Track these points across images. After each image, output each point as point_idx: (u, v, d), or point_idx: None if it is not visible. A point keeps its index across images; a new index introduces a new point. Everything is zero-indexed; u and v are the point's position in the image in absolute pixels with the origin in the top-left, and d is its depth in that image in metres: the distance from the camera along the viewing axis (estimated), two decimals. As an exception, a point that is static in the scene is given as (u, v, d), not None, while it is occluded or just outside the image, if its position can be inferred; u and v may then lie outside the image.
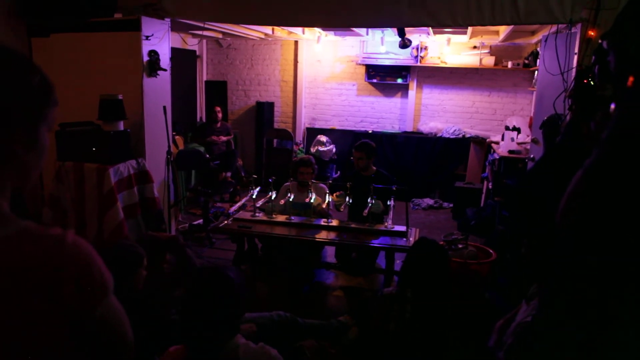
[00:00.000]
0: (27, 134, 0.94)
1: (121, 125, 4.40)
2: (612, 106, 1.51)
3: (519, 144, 6.35)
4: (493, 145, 6.89)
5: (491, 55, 7.47)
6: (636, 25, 1.23)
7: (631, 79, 1.19)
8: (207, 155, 6.76)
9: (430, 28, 6.25)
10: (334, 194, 4.56)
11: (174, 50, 5.28)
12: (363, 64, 8.08)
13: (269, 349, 2.01)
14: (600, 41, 1.63)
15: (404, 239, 4.17)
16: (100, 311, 1.00)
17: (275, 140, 8.25)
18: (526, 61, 7.21)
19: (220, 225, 4.52)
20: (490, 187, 6.52)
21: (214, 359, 1.90)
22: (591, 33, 3.90)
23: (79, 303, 0.95)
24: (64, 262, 0.93)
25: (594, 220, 1.21)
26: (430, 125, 7.99)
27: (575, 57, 4.04)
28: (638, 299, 1.19)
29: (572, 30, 4.09)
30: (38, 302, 0.90)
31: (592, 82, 2.87)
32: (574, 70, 3.99)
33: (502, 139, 6.57)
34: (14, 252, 0.89)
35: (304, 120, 8.67)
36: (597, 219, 1.20)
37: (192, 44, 7.95)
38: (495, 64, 7.44)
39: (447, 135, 7.78)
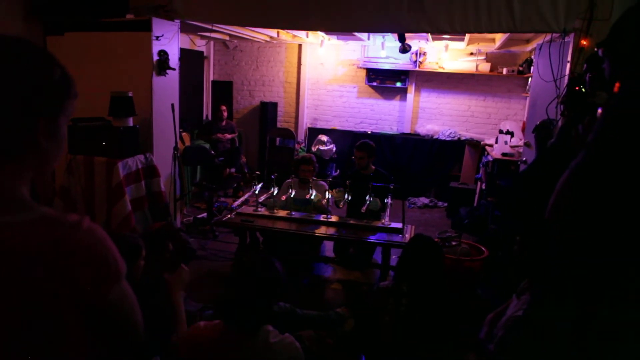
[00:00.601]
0: (49, 124, 0.95)
1: (131, 122, 4.41)
2: (599, 110, 1.53)
3: (512, 147, 6.36)
4: (487, 147, 6.90)
5: (487, 61, 7.47)
6: (633, 34, 1.24)
7: (617, 84, 1.21)
8: (212, 152, 6.76)
9: (429, 34, 6.25)
10: (334, 190, 4.57)
11: (182, 51, 5.29)
12: (364, 68, 8.08)
13: (294, 339, 2.05)
14: (595, 49, 1.64)
15: (400, 235, 4.18)
16: (113, 295, 1.00)
17: (278, 139, 8.26)
18: (520, 68, 7.22)
19: (224, 219, 4.52)
20: (483, 187, 6.53)
21: (248, 340, 1.94)
22: (584, 42, 3.91)
23: (92, 286, 0.96)
24: (79, 246, 0.93)
25: (579, 218, 1.22)
26: (427, 127, 7.99)
27: (568, 65, 4.05)
28: (623, 297, 1.21)
29: (565, 40, 4.10)
30: (54, 284, 0.91)
31: (583, 90, 2.88)
32: (566, 77, 4.00)
33: (496, 142, 6.58)
34: (34, 235, 0.90)
35: (306, 120, 8.67)
36: (583, 216, 1.22)
37: (200, 45, 7.96)
38: (491, 70, 7.44)
39: (443, 138, 7.78)
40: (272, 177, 4.54)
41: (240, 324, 1.96)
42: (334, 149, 7.96)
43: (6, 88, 0.89)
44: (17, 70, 0.90)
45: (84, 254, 0.94)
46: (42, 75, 0.94)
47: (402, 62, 7.75)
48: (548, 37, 4.33)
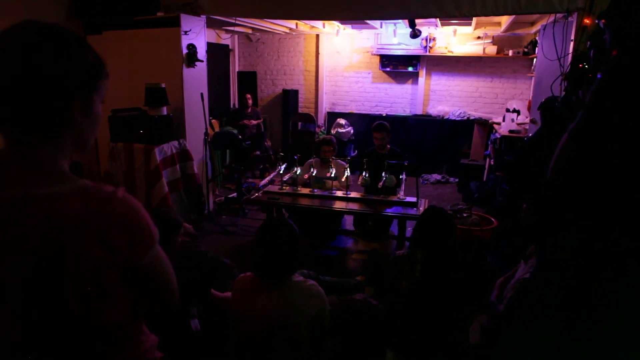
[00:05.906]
0: (84, 103, 0.96)
1: (164, 110, 4.44)
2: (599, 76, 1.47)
3: (518, 124, 6.23)
4: (495, 126, 6.78)
5: (493, 44, 7.29)
6: (631, 4, 1.19)
7: (614, 52, 1.17)
8: (240, 137, 6.77)
9: (438, 19, 6.12)
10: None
11: (209, 45, 5.28)
12: (377, 54, 7.96)
13: (317, 286, 2.14)
14: (597, 21, 1.59)
15: (415, 208, 4.15)
16: (147, 260, 1.02)
17: (299, 124, 8.24)
18: (526, 49, 7.03)
19: (252, 197, 4.54)
20: (492, 163, 6.43)
21: (277, 287, 2.06)
22: (586, 21, 3.77)
23: (128, 251, 0.97)
24: (115, 213, 0.95)
25: (579, 176, 1.19)
26: (438, 108, 7.88)
27: (572, 43, 3.92)
28: (620, 259, 1.17)
29: (569, 20, 3.96)
30: (94, 247, 0.92)
31: (586, 66, 2.79)
32: (570, 56, 3.87)
33: (503, 120, 6.45)
34: (74, 204, 0.91)
35: (325, 105, 8.62)
36: (582, 175, 1.18)
37: (225, 38, 7.94)
38: (497, 53, 7.27)
39: (453, 118, 7.66)
40: (295, 157, 4.53)
41: (269, 279, 2.07)
42: (352, 131, 7.91)
43: (45, 70, 0.90)
44: (55, 54, 0.91)
45: (119, 221, 0.95)
46: (77, 58, 0.95)
47: (413, 47, 7.62)
48: (552, 18, 4.19)
